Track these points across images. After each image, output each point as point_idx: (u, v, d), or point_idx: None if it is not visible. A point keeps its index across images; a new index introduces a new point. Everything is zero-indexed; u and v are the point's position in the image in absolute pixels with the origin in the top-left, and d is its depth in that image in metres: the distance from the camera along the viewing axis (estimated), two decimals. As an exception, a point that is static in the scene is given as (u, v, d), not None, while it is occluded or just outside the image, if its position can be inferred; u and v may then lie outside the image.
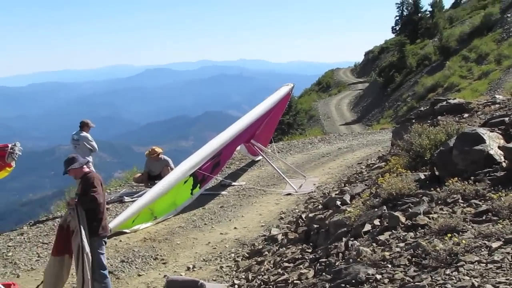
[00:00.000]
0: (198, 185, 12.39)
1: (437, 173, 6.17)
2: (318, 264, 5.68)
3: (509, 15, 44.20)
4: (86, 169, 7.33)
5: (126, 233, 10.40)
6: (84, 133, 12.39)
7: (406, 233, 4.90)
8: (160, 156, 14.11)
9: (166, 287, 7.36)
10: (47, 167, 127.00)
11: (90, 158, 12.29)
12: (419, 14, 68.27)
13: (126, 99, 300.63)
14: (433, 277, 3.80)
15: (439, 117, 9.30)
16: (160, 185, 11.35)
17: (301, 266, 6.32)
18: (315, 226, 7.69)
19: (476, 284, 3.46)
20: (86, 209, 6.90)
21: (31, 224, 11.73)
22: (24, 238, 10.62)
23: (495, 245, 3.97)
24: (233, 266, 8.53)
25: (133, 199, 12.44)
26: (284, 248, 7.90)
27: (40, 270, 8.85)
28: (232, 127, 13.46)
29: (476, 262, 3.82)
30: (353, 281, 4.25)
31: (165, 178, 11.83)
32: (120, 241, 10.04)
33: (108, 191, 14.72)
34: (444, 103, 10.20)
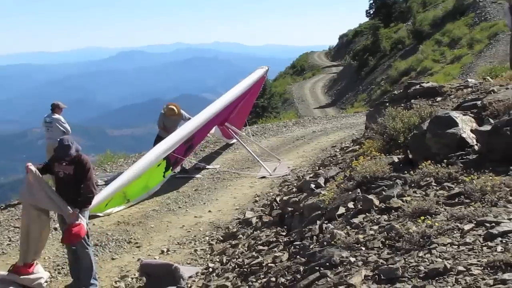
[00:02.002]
0: (171, 167, 12.35)
1: (410, 156, 6.20)
2: (293, 247, 5.70)
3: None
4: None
5: (99, 216, 10.32)
6: (56, 115, 12.24)
7: (380, 216, 4.93)
8: (181, 112, 13.53)
9: (140, 271, 7.35)
10: (19, 151, 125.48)
11: None
12: (393, -2, 68.49)
13: (100, 82, 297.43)
14: (407, 260, 3.83)
15: (412, 101, 9.32)
16: (134, 168, 11.28)
17: (275, 249, 6.35)
18: (290, 209, 7.71)
19: (448, 266, 3.49)
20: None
21: (2, 208, 11.58)
22: (-5, 222, 10.49)
23: (467, 227, 4.01)
24: (207, 249, 8.53)
25: (107, 182, 12.35)
26: (258, 231, 7.93)
27: (11, 254, 8.76)
28: (206, 110, 13.38)
29: (449, 244, 3.86)
30: (327, 264, 4.27)
31: (139, 161, 11.75)
32: (94, 224, 9.95)
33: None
34: (418, 86, 10.23)
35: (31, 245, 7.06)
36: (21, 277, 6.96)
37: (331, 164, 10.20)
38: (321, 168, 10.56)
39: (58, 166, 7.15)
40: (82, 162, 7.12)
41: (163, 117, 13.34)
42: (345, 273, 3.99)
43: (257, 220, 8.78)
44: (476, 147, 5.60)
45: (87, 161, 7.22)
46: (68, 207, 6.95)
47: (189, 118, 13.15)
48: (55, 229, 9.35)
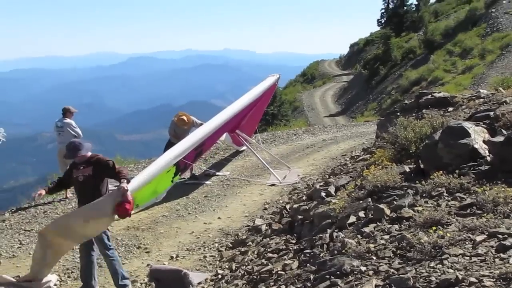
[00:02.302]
0: (179, 173, 12.38)
1: (422, 166, 6.19)
2: (303, 255, 5.69)
3: (493, 10, 44.48)
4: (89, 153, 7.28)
5: (109, 221, 10.36)
6: (67, 120, 12.35)
7: (391, 225, 4.92)
8: (191, 120, 13.57)
9: (149, 276, 7.35)
10: (29, 154, 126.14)
11: None
12: (405, 7, 68.47)
13: (109, 87, 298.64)
14: (418, 270, 3.81)
15: (424, 111, 9.33)
16: (144, 174, 11.29)
17: (285, 257, 6.33)
18: (299, 217, 7.70)
19: (460, 277, 3.47)
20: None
21: (13, 211, 11.64)
22: (5, 225, 10.54)
23: (479, 238, 4.00)
24: (216, 256, 8.54)
25: (116, 187, 12.38)
26: (268, 239, 7.91)
27: (21, 257, 8.81)
28: (218, 116, 13.40)
29: (460, 255, 3.84)
30: (338, 272, 4.26)
31: (149, 166, 11.77)
32: (103, 229, 10.00)
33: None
34: (429, 96, 10.24)
35: (46, 268, 7.08)
36: (31, 282, 6.97)
37: (342, 173, 10.19)
38: (331, 176, 10.55)
39: (76, 172, 7.16)
40: (101, 161, 7.15)
41: (174, 126, 13.39)
42: (356, 282, 3.98)
43: (266, 227, 8.78)
44: (488, 158, 5.58)
45: (107, 158, 7.23)
46: (117, 185, 6.95)
47: (201, 124, 13.18)
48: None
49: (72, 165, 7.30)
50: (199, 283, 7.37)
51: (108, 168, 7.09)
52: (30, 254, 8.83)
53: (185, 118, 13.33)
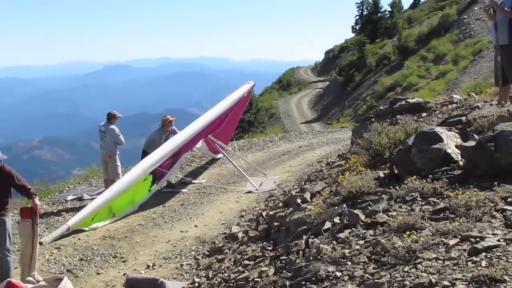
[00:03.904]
0: (156, 182, 12.35)
1: (396, 171, 6.23)
2: (279, 261, 5.70)
3: (465, 16, 45.17)
4: None
5: (85, 231, 10.28)
6: (112, 126, 12.65)
7: (365, 230, 4.94)
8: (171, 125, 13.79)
9: (125, 286, 7.30)
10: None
11: (117, 151, 12.84)
12: (379, 14, 69.26)
13: (85, 96, 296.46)
14: (392, 274, 3.84)
15: (398, 116, 9.40)
16: (120, 183, 11.25)
17: (261, 263, 6.33)
18: (276, 224, 7.71)
19: (433, 280, 3.50)
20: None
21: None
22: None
23: (452, 242, 4.03)
24: (193, 264, 8.50)
25: (92, 196, 12.31)
26: (244, 246, 7.91)
27: None
28: (193, 124, 13.41)
29: (434, 259, 3.87)
30: (313, 278, 4.27)
31: (125, 175, 11.73)
32: (79, 239, 9.92)
33: (67, 188, 14.52)
34: (403, 102, 10.32)
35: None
36: None
37: (317, 179, 10.23)
38: (307, 183, 10.58)
39: None
40: (4, 170, 7.72)
41: (161, 132, 13.49)
42: (331, 288, 4.00)
43: (243, 234, 8.77)
44: (461, 163, 5.64)
45: (10, 168, 7.84)
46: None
47: (176, 132, 13.24)
48: (40, 243, 9.30)
49: None
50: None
51: (10, 177, 7.72)
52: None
53: (169, 117, 13.58)
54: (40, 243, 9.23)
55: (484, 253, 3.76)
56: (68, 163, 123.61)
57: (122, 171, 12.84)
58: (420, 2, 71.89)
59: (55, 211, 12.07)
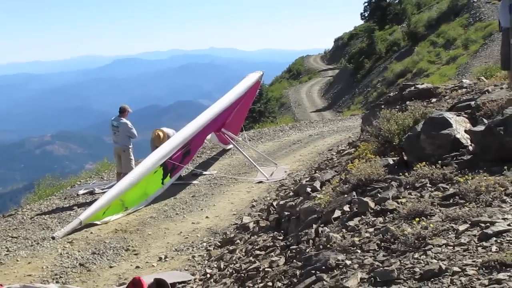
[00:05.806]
0: (169, 174, 12.35)
1: (405, 158, 6.20)
2: (289, 251, 5.70)
3: (475, 0, 44.67)
4: None
5: (97, 224, 10.33)
6: (123, 120, 12.76)
7: (375, 218, 4.92)
8: (166, 134, 13.68)
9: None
10: (17, 160, 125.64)
11: (130, 144, 12.92)
12: (388, 0, 68.61)
13: (96, 90, 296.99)
14: (402, 261, 3.82)
15: (407, 102, 9.34)
16: (131, 176, 11.28)
17: (272, 253, 6.34)
18: (286, 213, 7.71)
19: (443, 267, 3.49)
20: None
21: (1, 217, 11.58)
22: (-7, 232, 10.48)
23: (462, 228, 4.01)
24: (205, 255, 8.51)
25: (104, 190, 12.35)
26: (255, 236, 7.92)
27: (9, 264, 8.75)
28: (202, 115, 13.40)
29: (444, 245, 3.85)
30: (323, 267, 4.26)
31: (135, 168, 11.77)
32: (91, 233, 9.97)
33: (79, 183, 14.60)
34: (412, 88, 10.26)
35: None
36: None
37: (327, 168, 10.20)
38: (317, 171, 10.56)
39: None
40: None
41: (153, 142, 13.51)
42: (341, 276, 3.98)
43: (254, 225, 8.77)
44: (470, 148, 5.60)
45: None
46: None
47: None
48: (53, 238, 9.39)
49: None
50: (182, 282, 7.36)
51: None
52: (17, 261, 8.80)
53: (160, 134, 13.48)
54: (53, 238, 9.33)
55: (495, 238, 3.74)
56: (80, 157, 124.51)
57: (134, 164, 12.87)
58: (429, -13, 71.38)
59: (67, 205, 12.14)
